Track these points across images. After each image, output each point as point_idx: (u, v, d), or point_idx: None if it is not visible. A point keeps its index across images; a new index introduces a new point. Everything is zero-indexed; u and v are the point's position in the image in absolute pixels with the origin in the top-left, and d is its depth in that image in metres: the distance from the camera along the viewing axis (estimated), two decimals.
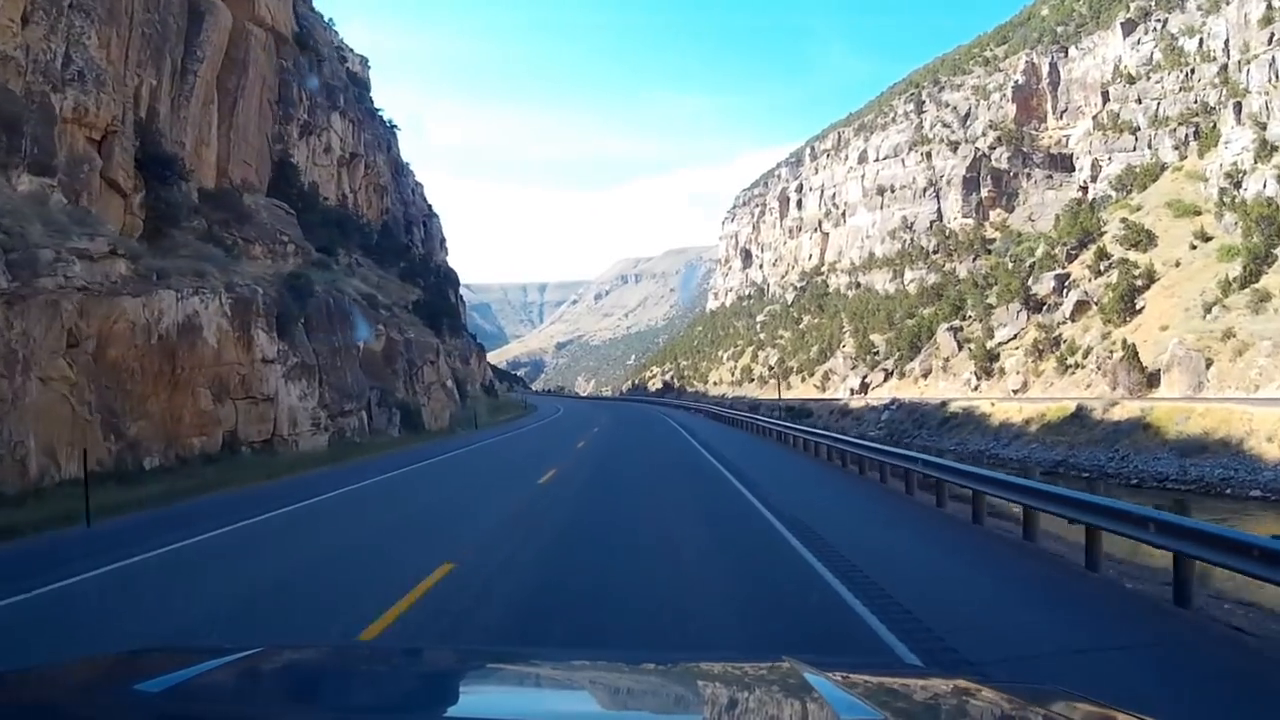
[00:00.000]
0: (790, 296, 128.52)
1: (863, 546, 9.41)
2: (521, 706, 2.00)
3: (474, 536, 10.18)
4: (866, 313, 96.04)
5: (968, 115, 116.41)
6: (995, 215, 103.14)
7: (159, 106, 23.34)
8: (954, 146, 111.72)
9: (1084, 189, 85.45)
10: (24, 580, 7.87)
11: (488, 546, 9.41)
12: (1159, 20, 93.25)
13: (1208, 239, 57.75)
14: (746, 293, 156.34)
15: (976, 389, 59.63)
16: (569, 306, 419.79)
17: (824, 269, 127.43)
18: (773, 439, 28.70)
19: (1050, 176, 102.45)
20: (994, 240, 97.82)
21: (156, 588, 7.93)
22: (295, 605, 7.05)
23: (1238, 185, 60.89)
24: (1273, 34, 68.62)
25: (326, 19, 69.15)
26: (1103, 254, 61.67)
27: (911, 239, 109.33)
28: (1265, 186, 56.91)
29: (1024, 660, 5.52)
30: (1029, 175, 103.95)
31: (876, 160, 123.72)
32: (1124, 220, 64.99)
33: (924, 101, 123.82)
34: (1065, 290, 61.70)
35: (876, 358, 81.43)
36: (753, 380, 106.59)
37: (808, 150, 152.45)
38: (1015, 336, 61.54)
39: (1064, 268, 64.79)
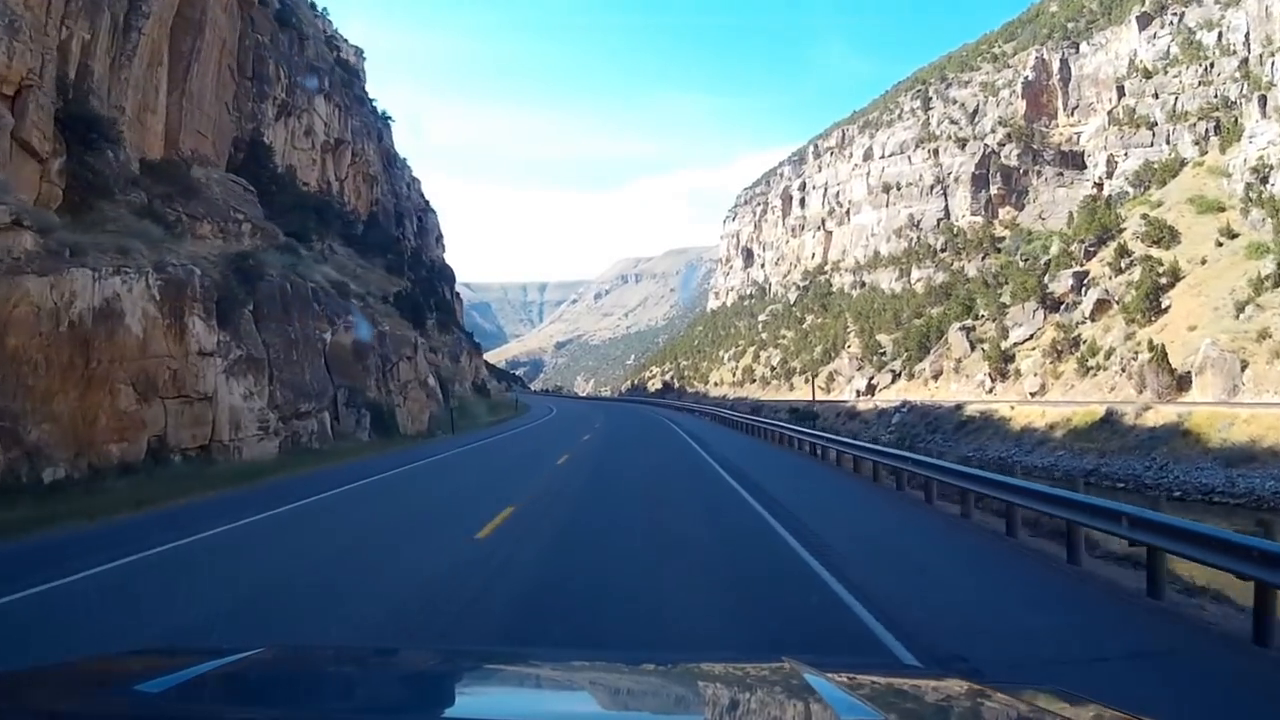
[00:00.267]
0: (793, 296, 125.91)
1: None
2: (521, 707, 2.00)
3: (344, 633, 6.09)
4: (872, 312, 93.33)
5: (976, 112, 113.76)
6: (1004, 213, 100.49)
7: (93, 64, 20.60)
8: (962, 143, 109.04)
9: (1099, 185, 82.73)
10: None
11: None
12: (1175, 14, 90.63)
13: (1234, 236, 55.11)
14: (748, 292, 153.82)
15: (991, 391, 56.86)
16: (569, 306, 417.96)
17: (827, 268, 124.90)
18: (817, 458, 22.09)
19: (1061, 174, 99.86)
20: (1003, 238, 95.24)
21: None
22: None
23: (1264, 180, 58.25)
24: None
25: (320, 8, 66.60)
26: (1123, 251, 58.94)
27: (918, 237, 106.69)
28: None
29: None
30: (1039, 173, 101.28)
31: (882, 157, 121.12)
32: (1145, 217, 62.27)
33: (931, 98, 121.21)
34: (1084, 289, 58.95)
35: (883, 358, 78.68)
36: (754, 381, 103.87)
37: (811, 148, 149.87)
38: (1032, 337, 58.78)
39: (1082, 265, 62.04)
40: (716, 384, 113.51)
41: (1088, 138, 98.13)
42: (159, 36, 23.05)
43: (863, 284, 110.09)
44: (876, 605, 6.62)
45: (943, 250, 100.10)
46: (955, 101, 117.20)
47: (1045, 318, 59.08)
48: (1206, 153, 71.77)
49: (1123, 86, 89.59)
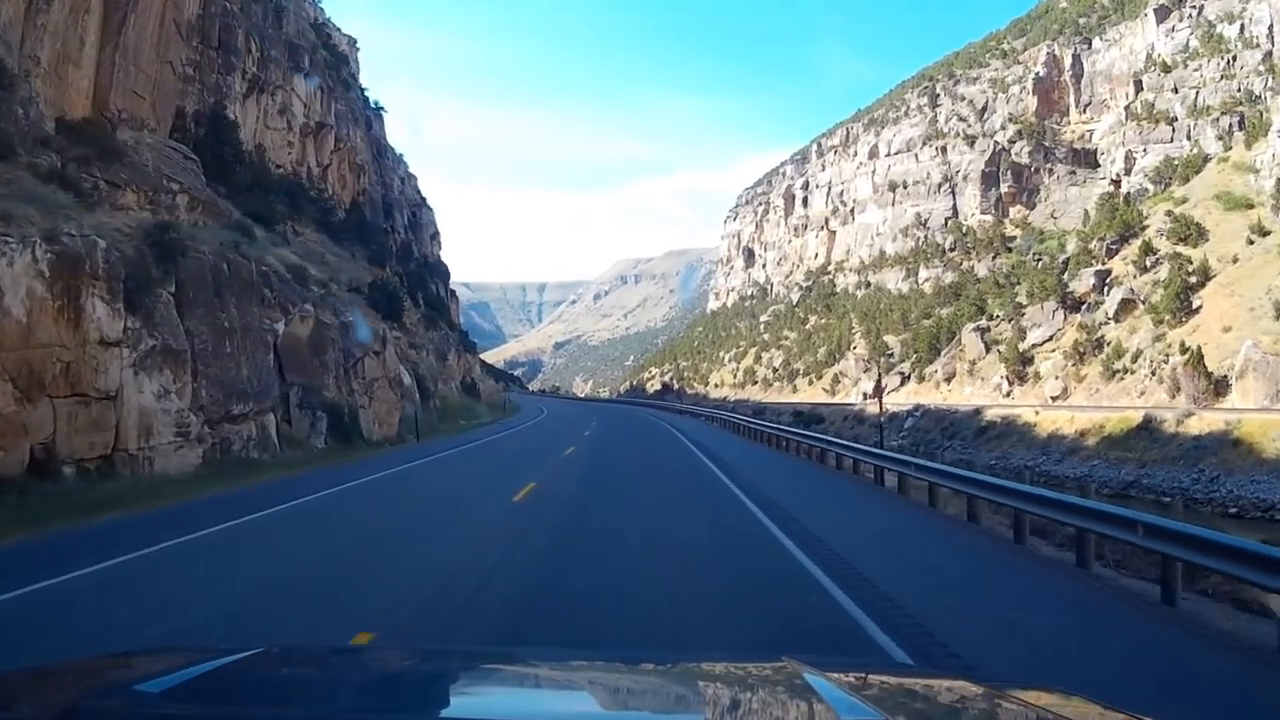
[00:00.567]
0: (795, 296, 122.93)
1: None
2: (521, 707, 1.99)
3: None
4: (878, 313, 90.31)
5: (985, 109, 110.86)
6: (1015, 212, 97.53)
7: (1, 6, 17.56)
8: (971, 141, 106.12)
9: (1116, 182, 79.77)
10: None
11: None
12: (1194, 6, 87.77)
13: (1265, 233, 52.23)
14: (749, 292, 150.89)
15: (1009, 395, 53.81)
16: (568, 306, 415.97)
17: (831, 268, 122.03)
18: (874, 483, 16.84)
19: (1074, 172, 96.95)
20: (1014, 238, 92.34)
21: None
22: None
23: None
24: None
25: None
26: (1148, 249, 55.88)
27: (925, 236, 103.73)
28: None
29: None
30: (1051, 170, 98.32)
31: (888, 155, 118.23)
32: (1170, 213, 59.27)
33: (938, 95, 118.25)
34: (1106, 288, 55.88)
35: (891, 360, 75.60)
36: (756, 383, 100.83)
37: (814, 147, 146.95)
38: (1051, 338, 55.71)
39: (1103, 264, 58.97)
40: (717, 385, 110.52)
41: (1101, 135, 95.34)
42: None
43: (868, 284, 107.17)
44: None
45: (951, 249, 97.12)
46: (963, 98, 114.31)
47: (1065, 318, 56.04)
48: (1231, 148, 68.84)
49: (1140, 81, 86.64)
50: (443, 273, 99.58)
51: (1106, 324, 52.97)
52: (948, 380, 62.28)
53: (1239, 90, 75.15)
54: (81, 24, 20.49)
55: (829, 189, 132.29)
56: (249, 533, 11.07)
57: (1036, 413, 41.43)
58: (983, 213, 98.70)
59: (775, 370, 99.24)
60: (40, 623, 6.79)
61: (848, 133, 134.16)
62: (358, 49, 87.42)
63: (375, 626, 6.10)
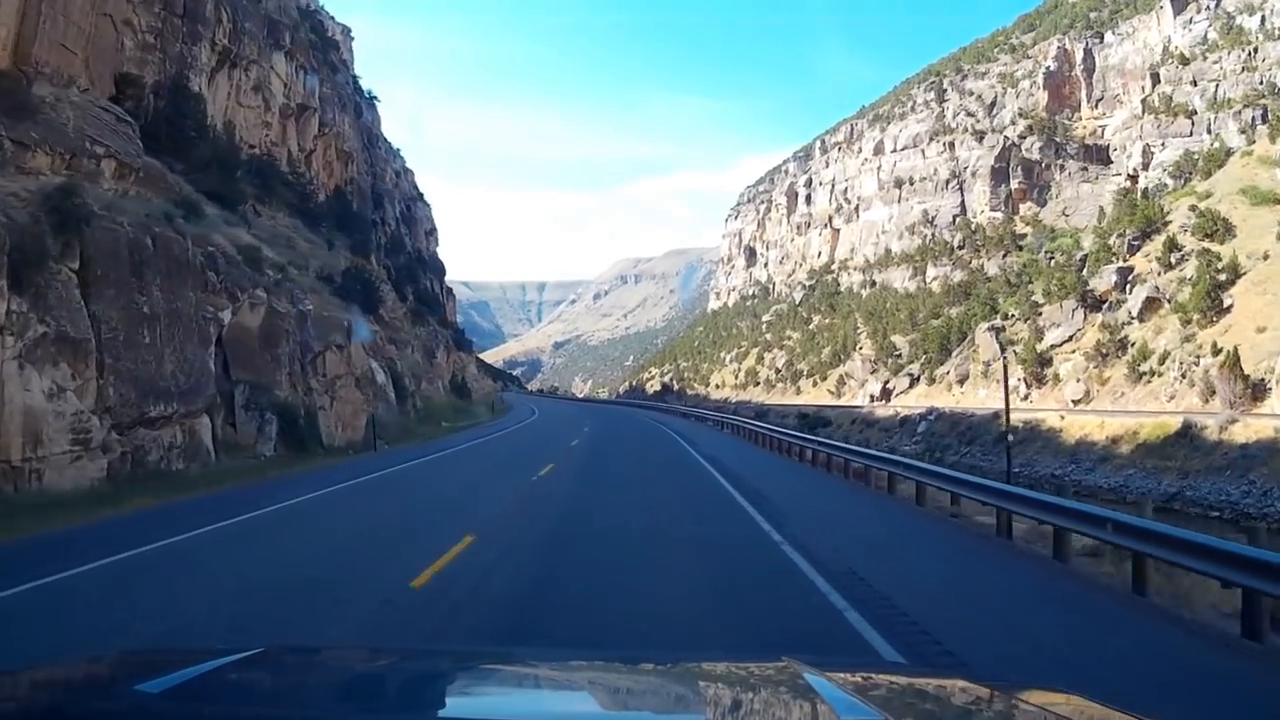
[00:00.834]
0: (798, 295, 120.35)
1: None
2: (521, 707, 1.97)
3: None
4: (884, 312, 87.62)
5: (994, 104, 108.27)
6: (1026, 209, 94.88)
7: None
8: (979, 136, 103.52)
9: (1133, 177, 77.16)
10: None
11: None
12: None
13: None
14: (750, 292, 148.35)
15: (1026, 398, 51.09)
16: (568, 306, 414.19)
17: (835, 266, 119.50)
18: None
19: (1085, 168, 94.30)
20: (1025, 235, 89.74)
21: None
22: None
23: None
24: None
25: None
26: (1173, 245, 53.16)
27: (933, 234, 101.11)
28: None
29: None
30: (1062, 167, 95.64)
31: (894, 151, 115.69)
32: (1194, 208, 56.62)
33: (945, 90, 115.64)
34: (1129, 286, 53.20)
35: (899, 361, 72.90)
36: (758, 384, 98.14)
37: (817, 144, 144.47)
38: (1071, 338, 53.01)
39: (1125, 260, 56.28)
40: (718, 386, 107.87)
41: (1114, 130, 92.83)
42: None
43: (873, 283, 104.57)
44: None
45: (960, 247, 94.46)
46: (971, 93, 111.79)
47: (1086, 317, 53.36)
48: (1255, 142, 66.28)
49: (1157, 74, 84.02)
50: (438, 269, 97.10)
51: (1130, 324, 50.28)
52: (960, 382, 59.57)
53: (1261, 83, 72.64)
54: None
55: (833, 186, 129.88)
56: (57, 594, 7.71)
57: (1062, 417, 38.75)
58: (992, 210, 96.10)
59: (778, 371, 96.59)
60: None
61: (852, 129, 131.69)
62: (352, 38, 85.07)
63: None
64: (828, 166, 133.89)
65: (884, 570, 8.68)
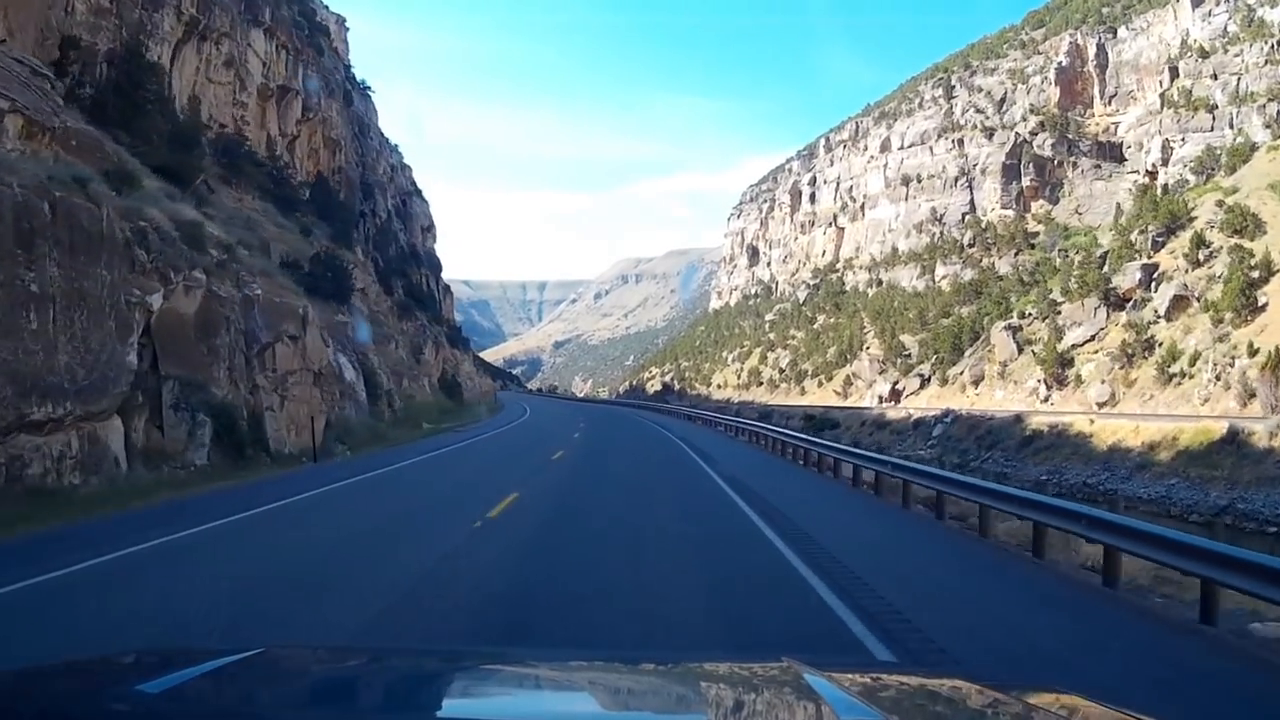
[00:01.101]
0: (802, 295, 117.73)
1: None
2: (520, 707, 1.97)
3: None
4: (892, 311, 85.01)
5: (1004, 100, 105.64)
6: (1038, 206, 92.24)
7: None
8: (989, 133, 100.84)
9: (1151, 173, 74.55)
10: None
11: None
12: None
13: None
14: (753, 291, 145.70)
15: (1047, 400, 48.53)
16: (568, 305, 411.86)
17: (840, 265, 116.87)
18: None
19: (1099, 166, 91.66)
20: (1037, 233, 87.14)
21: None
22: None
23: None
24: None
25: None
26: (1200, 241, 50.58)
27: (941, 232, 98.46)
28: None
29: None
30: (1075, 164, 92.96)
31: (901, 149, 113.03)
32: (1221, 204, 54.08)
33: (954, 87, 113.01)
34: (1154, 284, 50.62)
35: (909, 361, 70.27)
36: (761, 384, 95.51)
37: (822, 142, 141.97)
38: (1093, 338, 50.42)
39: (1149, 257, 53.69)
40: (719, 386, 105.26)
41: (1128, 126, 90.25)
42: None
43: (879, 282, 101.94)
44: None
45: (970, 245, 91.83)
46: (981, 89, 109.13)
47: (1109, 316, 50.75)
48: None
49: (1176, 68, 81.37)
50: (434, 265, 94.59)
51: (1156, 323, 47.69)
52: (975, 383, 56.93)
53: None
54: None
55: (837, 184, 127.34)
56: None
57: (1091, 421, 36.10)
58: (1003, 207, 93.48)
59: (782, 371, 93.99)
60: None
61: (857, 127, 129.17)
62: (347, 28, 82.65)
63: None
64: (832, 164, 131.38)
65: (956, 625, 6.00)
